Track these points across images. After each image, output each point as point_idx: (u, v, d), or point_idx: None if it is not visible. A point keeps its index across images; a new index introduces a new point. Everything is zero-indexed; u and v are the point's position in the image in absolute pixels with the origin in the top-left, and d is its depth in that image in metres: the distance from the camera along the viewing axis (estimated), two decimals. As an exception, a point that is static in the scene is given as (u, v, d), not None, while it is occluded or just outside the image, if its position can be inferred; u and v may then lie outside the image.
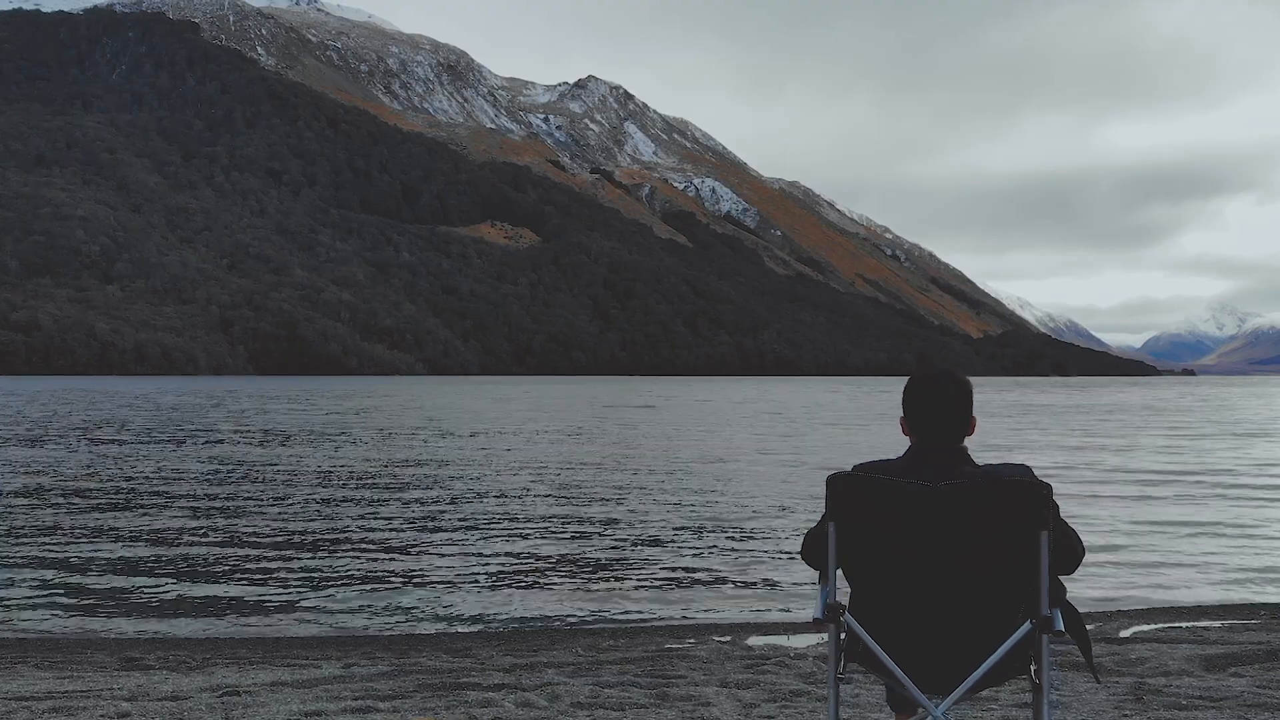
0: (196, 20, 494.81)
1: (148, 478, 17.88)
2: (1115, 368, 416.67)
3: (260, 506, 14.21)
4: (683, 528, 12.45)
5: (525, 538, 11.68)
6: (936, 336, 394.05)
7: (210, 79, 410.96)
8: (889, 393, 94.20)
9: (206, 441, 26.64)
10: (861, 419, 42.86)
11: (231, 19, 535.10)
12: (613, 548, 11.07)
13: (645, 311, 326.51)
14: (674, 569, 9.95)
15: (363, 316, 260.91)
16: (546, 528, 12.40)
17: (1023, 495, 2.86)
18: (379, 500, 14.96)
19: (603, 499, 15.16)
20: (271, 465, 20.16)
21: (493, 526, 12.52)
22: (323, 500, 14.88)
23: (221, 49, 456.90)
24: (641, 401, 65.23)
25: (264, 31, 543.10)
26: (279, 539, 11.50)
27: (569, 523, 12.82)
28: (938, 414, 3.03)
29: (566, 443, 26.99)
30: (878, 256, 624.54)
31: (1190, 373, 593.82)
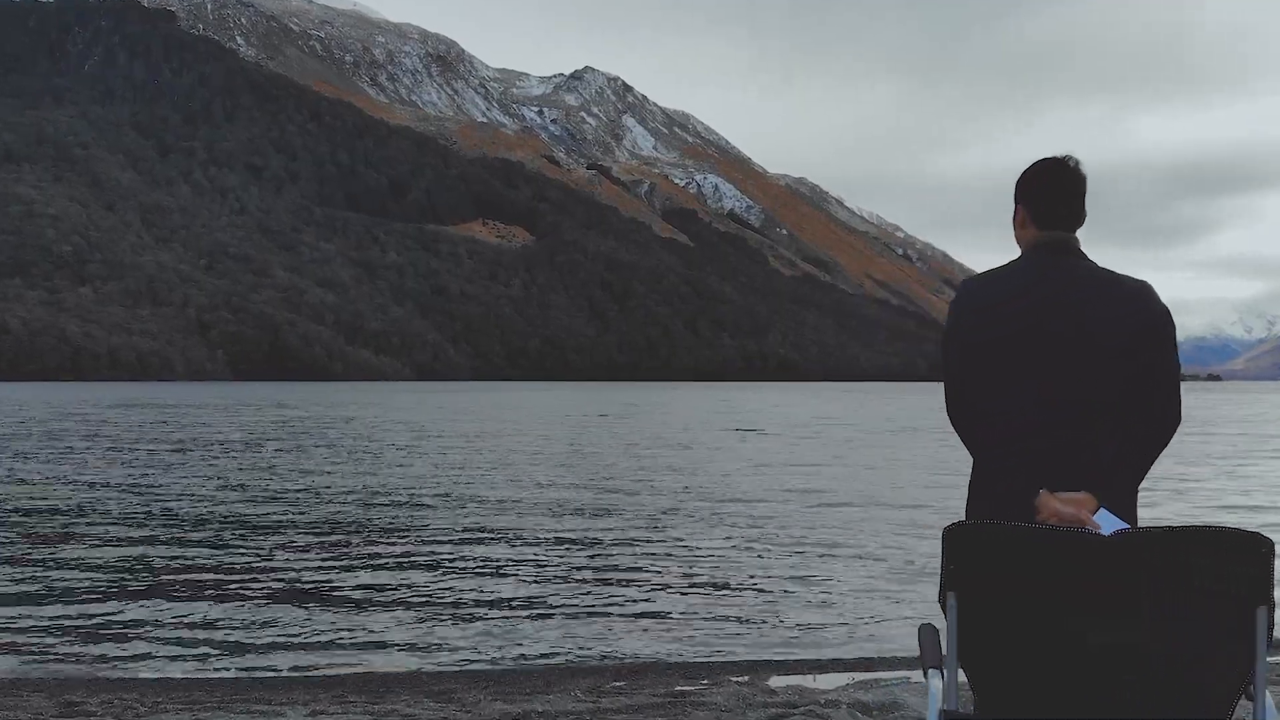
0: (172, 9, 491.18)
1: (93, 497, 16.59)
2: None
3: (218, 529, 13.24)
4: (689, 552, 11.69)
5: (516, 563, 10.91)
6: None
7: (187, 70, 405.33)
8: (900, 398, 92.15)
9: (160, 456, 25.02)
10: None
11: (209, 7, 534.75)
12: (613, 574, 10.34)
13: (644, 313, 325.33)
14: (681, 597, 9.31)
15: (348, 319, 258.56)
16: (540, 551, 11.64)
17: (1232, 552, 2.23)
18: (352, 521, 14.03)
19: (601, 520, 14.32)
20: (232, 483, 18.76)
21: (480, 550, 11.75)
22: (288, 522, 13.86)
23: (199, 39, 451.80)
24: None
25: (243, 20, 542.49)
26: (239, 566, 10.67)
27: (565, 546, 12.04)
28: (1062, 195, 2.85)
29: (559, 456, 26.08)
30: (888, 256, 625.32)
31: (1216, 378, 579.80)
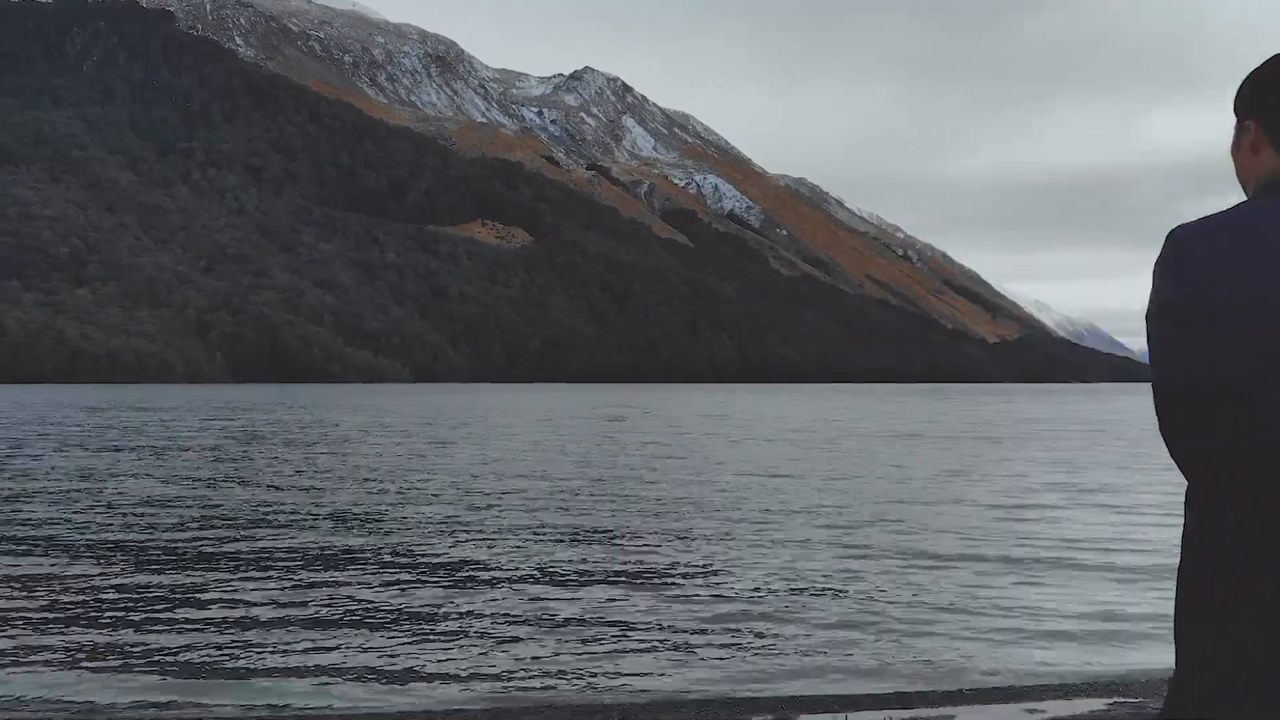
0: (171, 9, 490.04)
1: (62, 513, 15.73)
2: (1139, 373, 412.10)
3: (191, 550, 12.53)
4: (703, 576, 10.96)
5: (511, 586, 10.24)
6: (949, 341, 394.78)
7: (186, 71, 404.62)
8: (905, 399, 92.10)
9: (131, 466, 24.34)
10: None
11: (208, 7, 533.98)
12: (621, 600, 9.66)
13: (644, 314, 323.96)
14: (694, 624, 8.76)
15: (347, 320, 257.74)
16: (537, 573, 10.94)
17: None
18: (331, 539, 13.27)
19: (605, 536, 13.57)
20: (206, 498, 17.78)
21: (468, 569, 11.15)
22: (264, 541, 13.05)
23: (198, 39, 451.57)
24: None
25: (242, 20, 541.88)
26: (213, 593, 9.93)
27: (565, 568, 11.30)
28: None
29: (558, 463, 25.26)
30: (888, 257, 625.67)
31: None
